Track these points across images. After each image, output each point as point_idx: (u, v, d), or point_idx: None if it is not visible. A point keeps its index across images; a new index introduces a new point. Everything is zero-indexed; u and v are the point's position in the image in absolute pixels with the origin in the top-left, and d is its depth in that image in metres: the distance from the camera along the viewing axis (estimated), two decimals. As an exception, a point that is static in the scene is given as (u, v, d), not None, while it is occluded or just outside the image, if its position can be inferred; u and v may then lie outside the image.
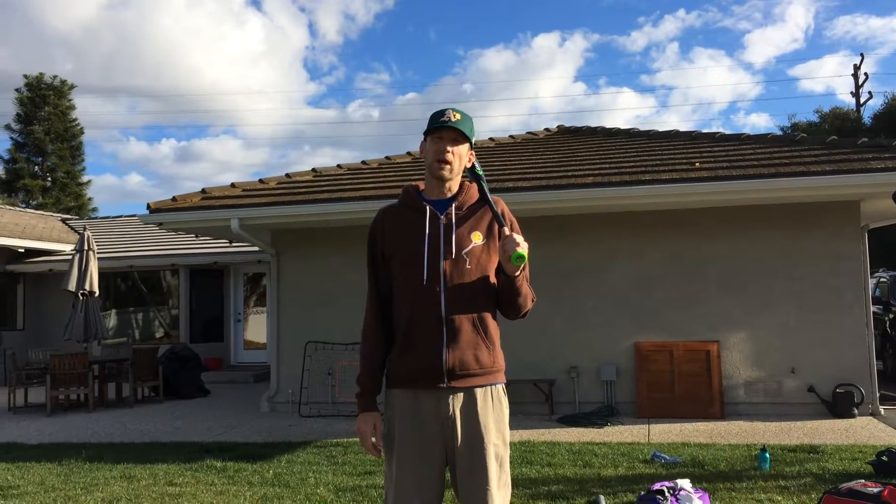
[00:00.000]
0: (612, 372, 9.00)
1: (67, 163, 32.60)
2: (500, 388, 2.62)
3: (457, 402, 2.53)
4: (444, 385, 2.52)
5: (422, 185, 2.73)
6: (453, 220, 2.59)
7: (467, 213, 2.62)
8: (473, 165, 2.67)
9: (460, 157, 2.60)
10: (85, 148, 34.53)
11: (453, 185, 2.65)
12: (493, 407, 2.57)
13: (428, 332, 2.53)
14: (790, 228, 8.77)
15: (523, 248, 2.44)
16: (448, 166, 2.58)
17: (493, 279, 2.60)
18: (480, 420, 2.53)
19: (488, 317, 2.60)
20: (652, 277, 9.07)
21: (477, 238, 2.58)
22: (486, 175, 2.75)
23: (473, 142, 2.66)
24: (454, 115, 2.58)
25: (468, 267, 2.55)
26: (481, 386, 2.56)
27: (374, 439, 2.59)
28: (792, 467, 6.04)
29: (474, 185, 2.67)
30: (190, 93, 67.15)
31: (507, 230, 2.53)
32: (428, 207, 2.61)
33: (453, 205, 2.62)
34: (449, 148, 2.57)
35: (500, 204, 2.67)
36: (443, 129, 2.57)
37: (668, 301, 9.00)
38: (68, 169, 32.67)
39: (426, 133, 2.62)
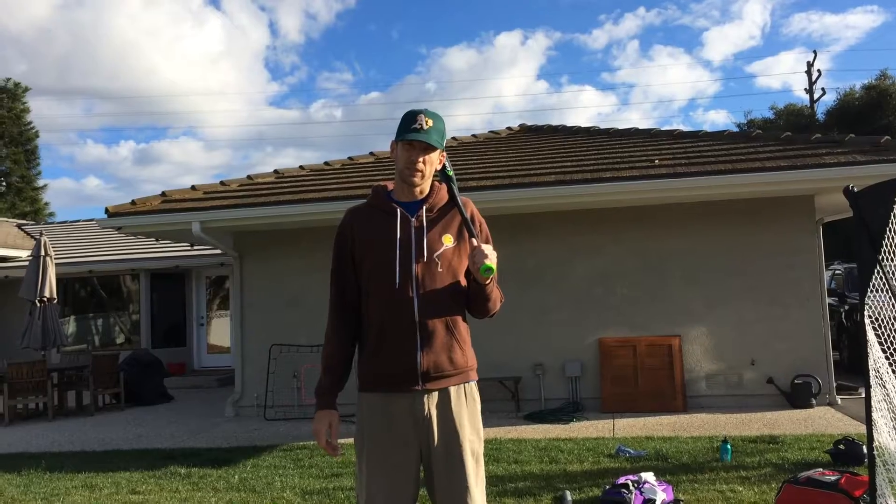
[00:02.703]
0: (577, 368, 9.09)
1: (22, 167, 31.88)
2: (472, 385, 2.62)
3: (431, 402, 2.52)
4: (420, 388, 2.51)
5: (390, 185, 2.69)
6: (424, 223, 2.57)
7: (438, 216, 2.60)
8: (444, 166, 2.65)
9: (431, 163, 2.57)
10: (40, 151, 33.99)
11: (424, 188, 2.62)
12: (467, 403, 2.58)
13: (401, 336, 2.51)
14: (748, 223, 8.94)
15: (492, 259, 2.44)
16: (419, 173, 2.55)
17: (463, 281, 2.59)
18: (455, 418, 2.53)
19: (460, 318, 2.60)
20: (614, 274, 9.18)
21: (448, 241, 2.57)
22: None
23: (444, 144, 2.64)
24: (426, 122, 2.52)
25: (440, 270, 2.53)
26: (455, 385, 2.56)
27: (329, 438, 2.56)
28: (753, 458, 6.16)
29: (444, 186, 2.65)
30: (148, 94, 66.23)
31: (475, 241, 2.53)
32: (399, 210, 2.58)
33: (424, 207, 2.59)
34: (421, 157, 2.53)
35: (470, 206, 2.65)
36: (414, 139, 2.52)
37: (630, 297, 9.12)
38: (23, 173, 31.95)
39: (397, 138, 2.57)
